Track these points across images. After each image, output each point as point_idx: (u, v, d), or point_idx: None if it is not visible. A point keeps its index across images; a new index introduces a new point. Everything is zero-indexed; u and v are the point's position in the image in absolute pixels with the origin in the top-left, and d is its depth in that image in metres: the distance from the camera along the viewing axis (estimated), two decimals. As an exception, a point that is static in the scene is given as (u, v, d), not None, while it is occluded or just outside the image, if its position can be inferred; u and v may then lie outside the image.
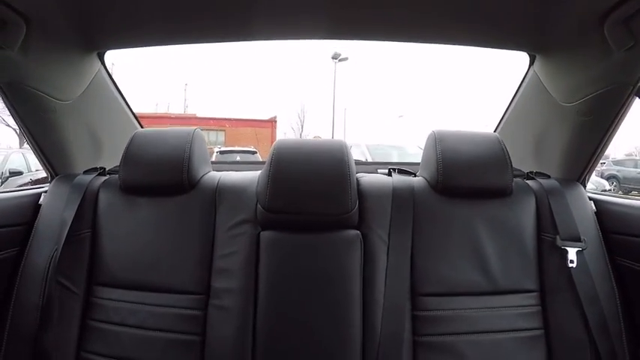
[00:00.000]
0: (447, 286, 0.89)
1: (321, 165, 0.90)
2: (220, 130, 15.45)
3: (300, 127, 19.50)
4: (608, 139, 1.02)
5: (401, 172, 1.07)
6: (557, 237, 0.92)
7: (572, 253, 0.90)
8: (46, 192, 1.05)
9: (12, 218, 0.98)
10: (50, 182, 1.10)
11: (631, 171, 9.73)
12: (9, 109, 0.99)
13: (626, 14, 0.78)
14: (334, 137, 7.74)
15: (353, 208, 0.90)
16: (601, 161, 1.19)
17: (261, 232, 0.91)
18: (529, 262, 0.92)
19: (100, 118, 1.18)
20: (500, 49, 1.07)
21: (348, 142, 1.55)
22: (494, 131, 1.29)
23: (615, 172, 9.77)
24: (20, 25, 0.82)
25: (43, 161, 1.11)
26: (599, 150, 1.04)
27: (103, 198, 0.98)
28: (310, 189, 0.88)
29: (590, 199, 1.02)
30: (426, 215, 0.93)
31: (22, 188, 1.15)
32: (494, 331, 0.87)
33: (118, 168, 0.98)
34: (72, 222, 0.93)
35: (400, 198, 0.94)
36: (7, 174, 5.46)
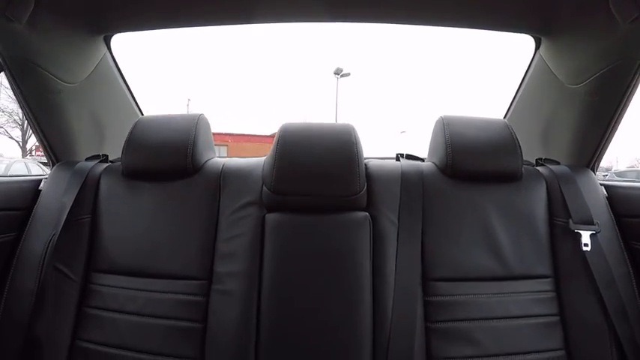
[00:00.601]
0: (460, 271, 0.86)
1: (329, 146, 0.88)
2: (223, 145, 15.53)
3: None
4: (616, 121, 1.01)
5: (409, 157, 1.05)
6: (570, 221, 0.90)
7: (585, 236, 0.88)
8: (47, 178, 1.03)
9: (11, 202, 0.96)
10: (51, 168, 1.09)
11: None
12: (14, 90, 0.99)
13: None
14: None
15: (361, 189, 0.88)
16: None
17: (267, 215, 0.89)
18: (542, 248, 0.89)
19: (104, 104, 1.18)
20: (505, 31, 1.07)
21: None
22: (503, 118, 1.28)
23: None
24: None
25: (45, 147, 1.10)
26: (607, 133, 1.02)
27: (105, 184, 0.96)
28: (317, 170, 0.87)
29: (601, 184, 1.00)
30: (436, 199, 0.91)
31: (22, 174, 1.14)
32: (508, 317, 0.83)
33: (120, 158, 0.97)
34: (72, 207, 0.92)
35: (409, 181, 0.92)
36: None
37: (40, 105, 1.03)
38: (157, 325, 0.83)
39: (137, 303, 0.85)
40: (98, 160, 1.04)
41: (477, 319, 0.83)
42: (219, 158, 1.03)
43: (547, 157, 1.05)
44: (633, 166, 16.19)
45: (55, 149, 1.10)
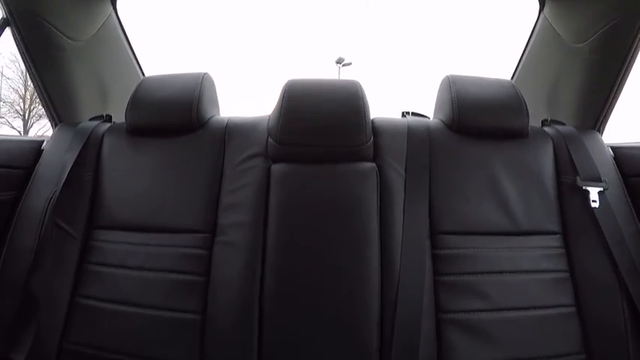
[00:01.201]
0: (468, 225, 0.85)
1: (335, 98, 0.88)
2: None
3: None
4: (621, 80, 1.00)
5: (415, 115, 1.04)
6: (578, 178, 0.89)
7: (593, 193, 0.88)
8: (49, 139, 1.03)
9: (12, 160, 0.96)
10: (54, 129, 1.08)
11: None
12: (19, 46, 0.99)
13: None
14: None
15: (368, 141, 0.87)
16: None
17: (272, 166, 0.88)
18: (550, 204, 0.89)
19: (108, 65, 1.17)
20: None
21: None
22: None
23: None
24: None
25: (48, 107, 1.10)
26: (613, 93, 1.02)
27: (108, 142, 0.96)
28: (323, 120, 0.86)
29: (608, 145, 0.99)
30: (443, 153, 0.90)
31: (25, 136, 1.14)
32: (517, 272, 0.82)
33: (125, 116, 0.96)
34: (73, 165, 0.91)
35: (416, 136, 0.92)
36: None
37: (44, 63, 1.03)
38: (158, 279, 0.82)
39: (138, 258, 0.83)
40: (101, 120, 1.04)
41: (486, 273, 0.82)
42: (224, 115, 1.02)
43: (553, 119, 1.05)
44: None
45: (59, 109, 1.10)
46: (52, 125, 1.13)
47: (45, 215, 0.88)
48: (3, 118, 10.26)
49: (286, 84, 0.91)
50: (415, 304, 0.77)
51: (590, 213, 0.87)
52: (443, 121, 0.96)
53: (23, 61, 1.02)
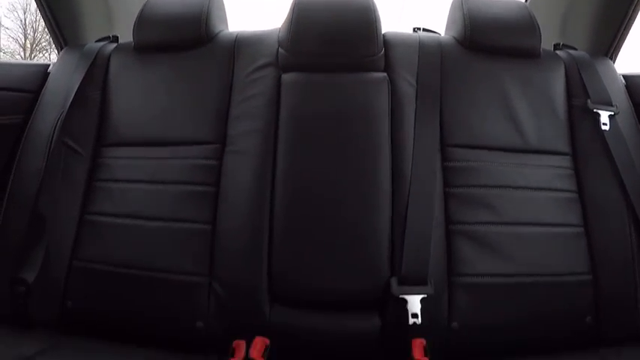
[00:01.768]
0: (478, 139, 0.85)
1: (347, 9, 0.88)
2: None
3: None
4: (635, 7, 0.98)
5: (426, 30, 1.04)
6: (589, 101, 0.89)
7: (604, 116, 0.88)
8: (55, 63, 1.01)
9: (19, 84, 0.95)
10: (59, 52, 1.06)
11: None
12: None
13: None
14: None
15: (379, 52, 0.87)
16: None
17: (283, 75, 0.87)
18: (560, 125, 0.89)
19: None
20: None
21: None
22: None
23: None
24: None
25: (53, 29, 1.08)
26: (626, 20, 1.00)
27: (115, 61, 0.95)
28: (335, 29, 0.86)
29: (620, 74, 0.99)
30: (454, 68, 0.90)
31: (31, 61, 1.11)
32: (527, 188, 0.83)
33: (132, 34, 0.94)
34: (80, 85, 0.90)
35: (427, 49, 0.91)
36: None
37: None
38: (168, 191, 0.82)
39: (147, 171, 0.84)
40: (108, 41, 1.02)
41: (496, 187, 0.82)
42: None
43: (565, 44, 1.03)
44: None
45: (64, 32, 1.08)
46: (57, 50, 1.11)
47: (53, 136, 0.87)
48: (3, 68, 10.08)
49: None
50: (426, 214, 0.78)
51: (601, 136, 0.87)
52: (455, 38, 0.96)
53: None
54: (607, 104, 0.89)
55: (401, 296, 0.73)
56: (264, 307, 0.77)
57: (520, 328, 0.79)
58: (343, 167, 0.80)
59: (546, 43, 0.96)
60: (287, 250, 0.78)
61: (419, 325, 0.72)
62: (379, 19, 0.88)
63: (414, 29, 1.04)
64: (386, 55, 0.89)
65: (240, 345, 0.74)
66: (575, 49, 1.01)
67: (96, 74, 0.93)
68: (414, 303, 0.72)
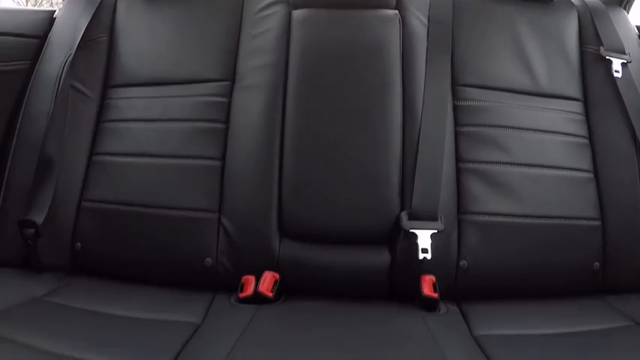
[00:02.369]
0: (490, 80, 0.85)
1: None
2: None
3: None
4: None
5: None
6: (601, 48, 0.88)
7: (617, 64, 0.87)
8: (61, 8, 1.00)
9: (25, 29, 0.93)
10: None
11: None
12: None
13: None
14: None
15: None
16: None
17: (293, 11, 0.86)
18: (572, 70, 0.88)
19: None
20: None
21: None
22: None
23: None
24: None
25: None
26: None
27: (122, 2, 0.93)
28: None
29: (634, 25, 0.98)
30: (466, 8, 0.89)
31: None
32: (538, 130, 0.83)
33: None
34: (87, 28, 0.89)
35: None
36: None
37: None
38: (177, 128, 0.82)
39: (156, 110, 0.83)
40: None
41: (507, 127, 0.82)
42: None
43: None
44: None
45: None
46: None
47: (60, 79, 0.86)
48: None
49: None
50: (436, 151, 0.77)
51: (612, 83, 0.86)
52: None
53: None
54: (620, 52, 0.88)
55: (411, 230, 0.73)
56: (273, 243, 0.77)
57: (528, 271, 0.79)
58: (354, 103, 0.80)
59: None
60: (297, 185, 0.78)
61: (428, 261, 0.72)
62: None
63: None
64: None
65: (249, 280, 0.74)
66: None
67: (103, 17, 0.92)
68: (424, 238, 0.72)
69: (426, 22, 0.86)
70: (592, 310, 0.77)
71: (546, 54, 0.87)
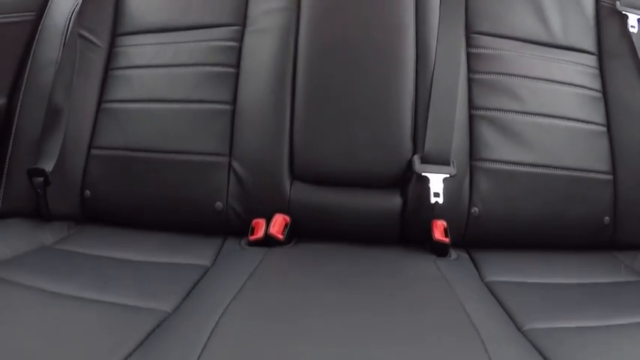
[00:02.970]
0: (504, 28, 0.83)
1: None
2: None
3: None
4: None
5: None
6: (618, 2, 0.86)
7: (632, 19, 0.85)
8: None
9: None
10: None
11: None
12: None
13: None
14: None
15: None
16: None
17: None
18: (587, 23, 0.87)
19: None
20: None
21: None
22: None
23: None
24: None
25: None
26: None
27: None
28: None
29: None
30: None
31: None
32: (551, 81, 0.82)
33: None
34: None
35: None
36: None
37: None
38: (187, 73, 0.81)
39: (166, 56, 0.83)
40: None
41: (521, 77, 0.81)
42: None
43: None
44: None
45: None
46: None
47: (67, 28, 0.85)
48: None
49: None
50: (449, 96, 0.76)
51: (628, 38, 0.85)
52: None
53: None
54: (636, 7, 0.86)
55: (423, 174, 0.72)
56: (284, 185, 0.77)
57: (538, 221, 0.79)
58: (367, 44, 0.79)
59: None
60: (309, 128, 0.78)
61: (440, 206, 0.72)
62: None
63: None
64: None
65: (260, 223, 0.74)
66: None
67: None
68: (436, 182, 0.72)
69: None
70: (601, 264, 0.77)
71: (562, 6, 0.86)
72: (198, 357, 0.41)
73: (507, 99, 0.80)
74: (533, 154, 0.79)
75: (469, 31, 0.83)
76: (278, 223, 0.73)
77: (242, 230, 0.76)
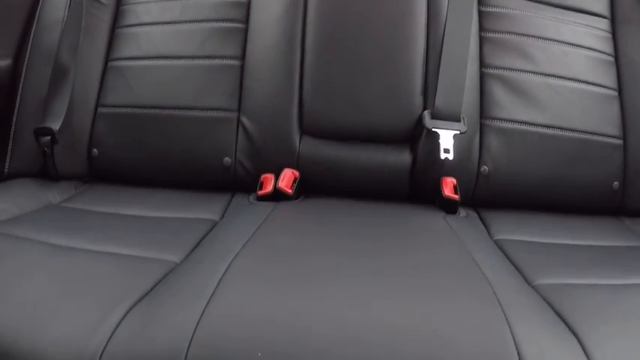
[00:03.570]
0: None
1: None
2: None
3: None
4: None
5: None
6: None
7: None
8: None
9: None
10: None
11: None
12: None
13: None
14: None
15: None
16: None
17: None
18: None
19: None
20: None
21: None
22: None
23: None
24: None
25: None
26: None
27: None
28: None
29: None
30: None
31: None
32: (563, 42, 0.81)
33: None
34: None
35: None
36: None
37: None
38: (195, 29, 0.81)
39: (174, 12, 0.82)
40: None
41: (532, 37, 0.80)
42: None
43: None
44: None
45: None
46: None
47: None
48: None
49: None
50: (460, 53, 0.76)
51: None
52: None
53: None
54: None
55: (433, 129, 0.72)
56: (293, 140, 0.76)
57: (547, 183, 0.79)
58: (377, 1, 0.78)
59: None
60: (318, 83, 0.77)
61: (450, 163, 0.72)
62: None
63: None
64: None
65: (269, 178, 0.74)
66: None
67: None
68: (446, 138, 0.71)
69: None
70: (609, 229, 0.76)
71: None
72: (210, 298, 0.41)
73: (519, 58, 0.79)
74: (544, 114, 0.78)
75: None
76: (287, 178, 0.72)
77: (251, 186, 0.76)
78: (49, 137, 0.77)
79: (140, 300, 0.44)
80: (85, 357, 0.38)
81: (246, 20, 0.80)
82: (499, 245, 0.66)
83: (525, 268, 0.58)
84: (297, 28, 0.78)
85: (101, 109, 0.82)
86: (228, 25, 0.80)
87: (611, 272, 0.59)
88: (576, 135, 0.79)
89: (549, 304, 0.48)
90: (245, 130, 0.77)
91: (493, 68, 0.79)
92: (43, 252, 0.54)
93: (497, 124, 0.77)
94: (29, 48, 0.84)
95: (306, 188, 0.76)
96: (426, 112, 0.74)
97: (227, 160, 0.77)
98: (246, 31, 0.80)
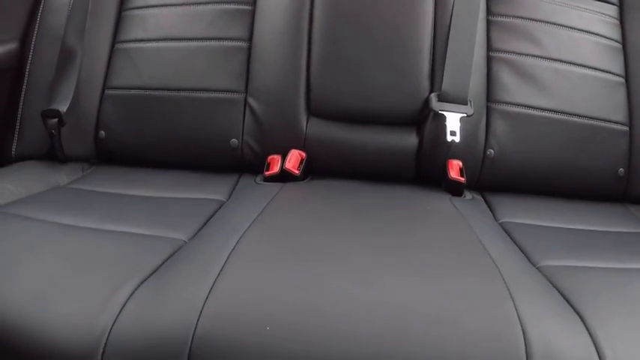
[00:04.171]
0: None
1: None
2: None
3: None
4: None
5: None
6: None
7: None
8: None
9: None
10: None
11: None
12: None
13: None
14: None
15: None
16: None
17: None
18: None
19: None
20: None
21: None
22: None
23: None
24: None
25: None
26: None
27: None
28: None
29: None
30: None
31: None
32: (571, 28, 0.81)
33: None
34: None
35: None
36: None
37: None
38: (202, 11, 0.80)
39: None
40: None
41: (540, 21, 0.80)
42: None
43: None
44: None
45: None
46: None
47: None
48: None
49: None
50: (468, 36, 0.75)
51: None
52: None
53: None
54: None
55: (440, 112, 0.72)
56: (300, 122, 0.77)
57: (553, 168, 0.79)
58: None
59: None
60: (326, 64, 0.77)
61: (456, 145, 0.72)
62: None
63: None
64: None
65: (276, 159, 0.74)
66: None
67: None
68: (453, 121, 0.71)
69: None
70: (613, 215, 0.77)
71: None
72: (218, 274, 0.42)
73: (526, 43, 0.79)
74: (550, 99, 0.78)
75: None
76: (294, 159, 0.73)
77: (257, 167, 0.77)
78: (56, 119, 0.77)
79: (149, 276, 0.45)
80: (95, 332, 0.39)
81: (254, 2, 0.80)
82: (504, 228, 0.66)
83: (530, 250, 0.58)
84: (304, 10, 0.77)
85: (108, 91, 0.82)
86: (236, 6, 0.80)
87: (616, 256, 0.59)
88: (582, 120, 0.79)
89: (554, 285, 0.49)
90: (252, 111, 0.77)
91: (500, 52, 0.79)
92: (52, 231, 0.54)
93: (504, 107, 0.77)
94: (36, 31, 0.84)
95: (312, 170, 0.76)
96: (433, 95, 0.74)
97: (234, 141, 0.78)
98: (253, 13, 0.79)
